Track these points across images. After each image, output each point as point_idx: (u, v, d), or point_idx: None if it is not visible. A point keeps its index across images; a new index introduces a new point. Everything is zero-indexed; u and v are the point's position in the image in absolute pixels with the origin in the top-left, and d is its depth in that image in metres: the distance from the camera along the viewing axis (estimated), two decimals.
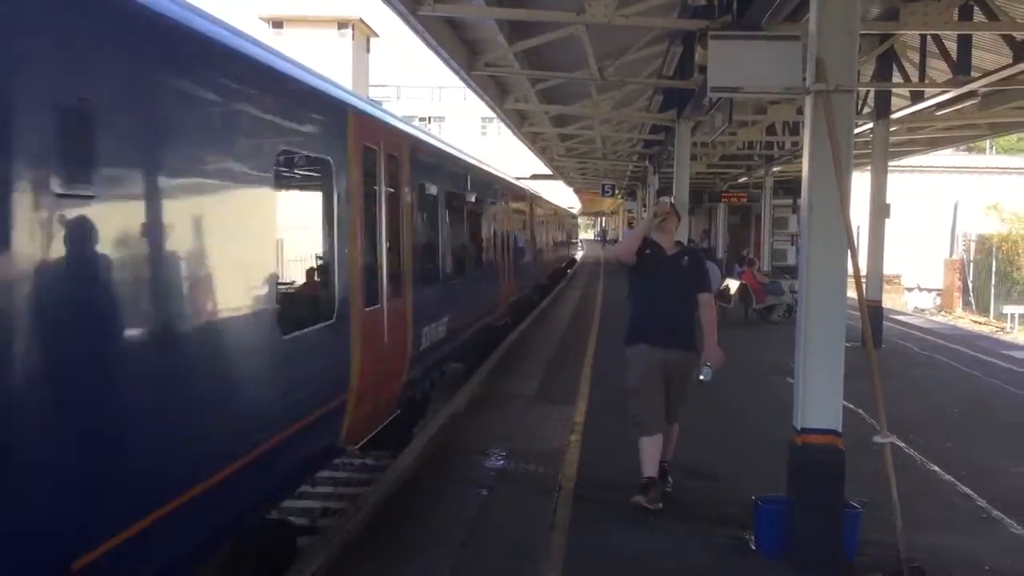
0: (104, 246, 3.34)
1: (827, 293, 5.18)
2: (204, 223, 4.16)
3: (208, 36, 4.37)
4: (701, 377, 5.96)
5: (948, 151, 30.21)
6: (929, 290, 32.28)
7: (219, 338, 4.36)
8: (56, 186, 3.03)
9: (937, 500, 6.37)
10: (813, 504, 5.03)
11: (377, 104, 8.52)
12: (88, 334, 3.23)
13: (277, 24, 58.25)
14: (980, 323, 26.69)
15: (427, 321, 8.58)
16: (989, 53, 11.65)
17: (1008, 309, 26.95)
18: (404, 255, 7.72)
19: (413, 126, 10.03)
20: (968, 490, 6.55)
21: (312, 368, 5.52)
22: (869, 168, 14.52)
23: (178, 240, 3.91)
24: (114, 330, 3.44)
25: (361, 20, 60.52)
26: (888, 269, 18.30)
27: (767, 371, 10.99)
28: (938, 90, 12.08)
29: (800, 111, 5.63)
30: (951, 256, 33.15)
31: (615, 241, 39.70)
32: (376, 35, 64.04)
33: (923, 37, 11.52)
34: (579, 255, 54.36)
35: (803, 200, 5.38)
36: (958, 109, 13.01)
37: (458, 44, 11.40)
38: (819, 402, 5.10)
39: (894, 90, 13.62)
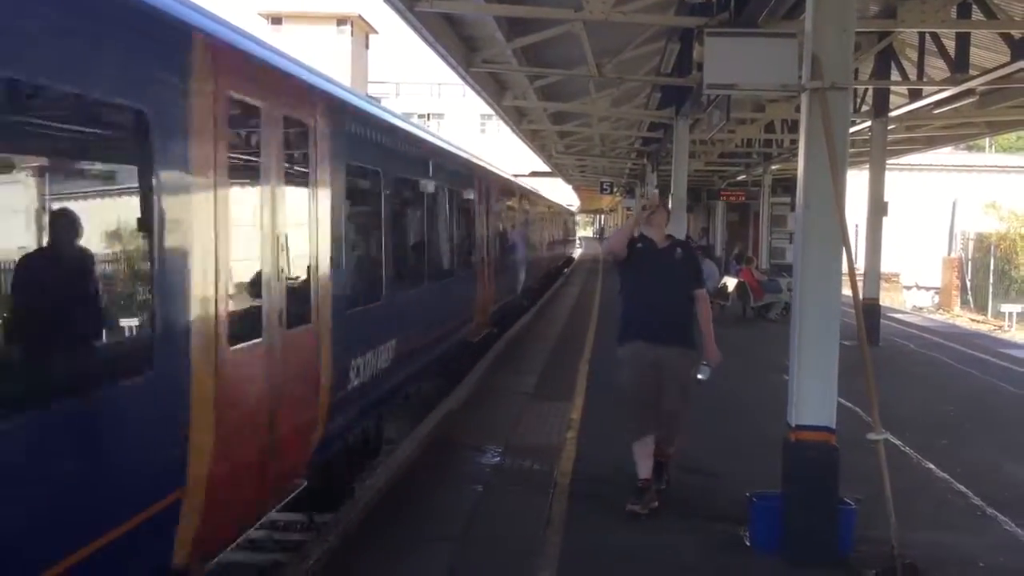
0: None
1: (822, 291, 5.19)
2: None
3: None
4: (699, 376, 5.94)
5: (947, 149, 30.21)
6: (927, 288, 32.31)
7: None
8: None
9: (932, 497, 6.38)
10: (807, 501, 5.05)
11: (279, 52, 5.53)
12: None
13: (276, 20, 58.25)
14: (978, 321, 26.71)
15: (360, 349, 6.46)
16: (987, 51, 11.65)
17: (1006, 307, 26.95)
18: (317, 263, 5.51)
19: (348, 89, 7.51)
20: (963, 487, 6.56)
21: (93, 464, 3.35)
22: (867, 166, 14.54)
23: None
24: None
25: (360, 16, 60.52)
26: (886, 267, 18.34)
27: (764, 369, 10.99)
28: (936, 88, 12.09)
29: (799, 109, 5.64)
30: (949, 254, 33.15)
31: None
32: (375, 31, 64.04)
33: (921, 35, 11.52)
34: (577, 253, 54.32)
35: (799, 197, 5.39)
36: (956, 107, 13.01)
37: (456, 40, 11.38)
38: (813, 399, 5.12)
39: (893, 88, 13.63)
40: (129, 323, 3.80)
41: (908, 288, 32.18)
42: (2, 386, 2.95)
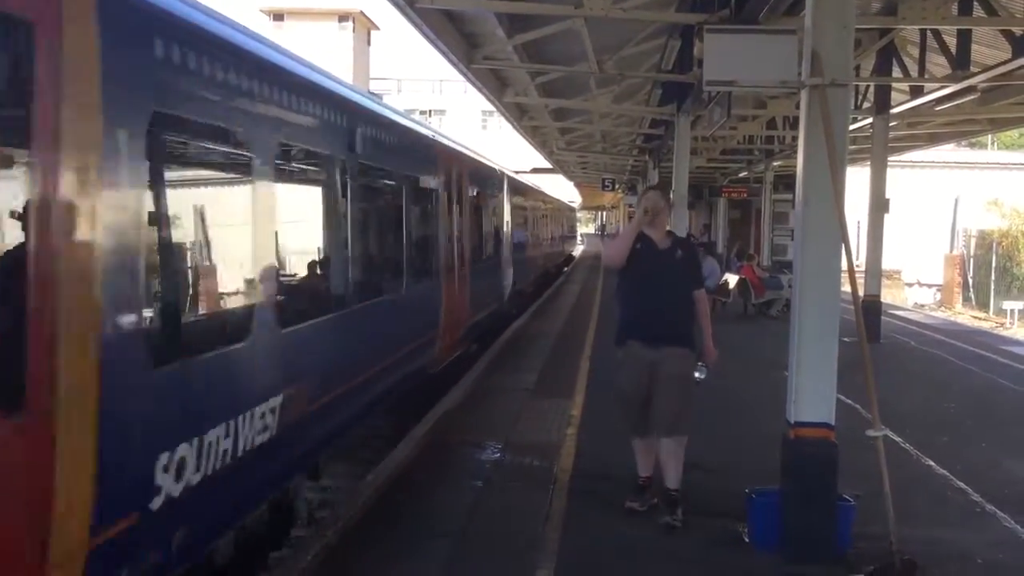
0: None
1: (821, 287, 5.19)
2: None
3: None
4: (697, 375, 5.90)
5: (949, 146, 30.15)
6: (929, 285, 32.31)
7: None
8: None
9: (931, 494, 6.39)
10: (806, 497, 5.05)
11: None
12: None
13: (278, 16, 58.25)
14: (980, 319, 26.72)
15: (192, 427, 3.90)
16: (988, 48, 11.63)
17: (1008, 305, 26.98)
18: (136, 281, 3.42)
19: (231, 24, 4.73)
20: (962, 484, 6.56)
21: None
22: (869, 163, 14.52)
23: None
24: None
25: (362, 13, 60.49)
26: (888, 264, 18.32)
27: (765, 365, 10.96)
28: (938, 85, 12.08)
29: (799, 105, 5.61)
30: (951, 252, 33.14)
31: (613, 236, 39.32)
32: (377, 28, 64.03)
33: (923, 32, 11.52)
34: (578, 251, 54.24)
35: (798, 194, 5.39)
36: (958, 104, 13.00)
37: (457, 37, 11.39)
38: (812, 396, 5.12)
39: (894, 85, 13.61)
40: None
41: (910, 285, 32.17)
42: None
